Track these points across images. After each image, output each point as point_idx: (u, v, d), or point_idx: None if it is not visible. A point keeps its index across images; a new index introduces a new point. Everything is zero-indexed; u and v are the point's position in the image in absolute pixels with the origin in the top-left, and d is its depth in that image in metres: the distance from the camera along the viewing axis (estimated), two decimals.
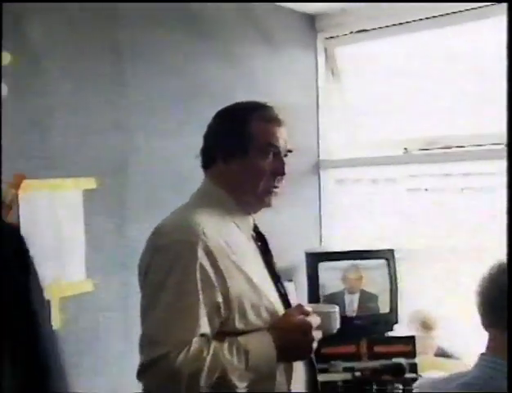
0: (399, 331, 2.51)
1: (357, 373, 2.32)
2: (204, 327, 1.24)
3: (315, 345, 1.34)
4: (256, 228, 1.46)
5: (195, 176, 1.45)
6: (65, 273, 1.95)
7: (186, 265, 1.24)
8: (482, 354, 1.34)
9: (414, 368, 2.34)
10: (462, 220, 2.74)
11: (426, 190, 2.77)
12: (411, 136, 2.78)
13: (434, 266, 2.76)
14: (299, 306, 1.37)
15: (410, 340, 2.41)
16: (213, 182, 1.41)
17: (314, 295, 2.50)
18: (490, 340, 1.35)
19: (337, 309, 1.49)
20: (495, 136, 2.55)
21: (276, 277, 1.43)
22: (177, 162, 2.26)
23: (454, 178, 2.74)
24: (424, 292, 2.70)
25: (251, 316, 1.29)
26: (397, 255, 2.56)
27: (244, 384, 1.24)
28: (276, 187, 1.40)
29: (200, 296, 1.24)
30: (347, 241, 2.93)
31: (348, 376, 2.32)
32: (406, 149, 2.76)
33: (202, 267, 1.25)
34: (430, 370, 2.34)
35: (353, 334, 2.40)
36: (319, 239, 2.95)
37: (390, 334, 2.50)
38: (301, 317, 1.33)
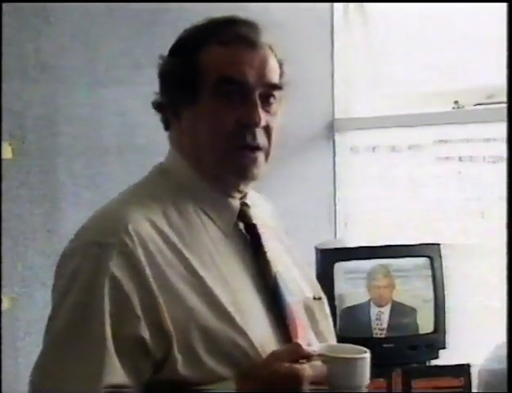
0: (447, 358, 2.27)
1: None
2: (116, 375, 1.05)
3: None
4: (246, 217, 1.24)
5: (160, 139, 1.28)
6: None
7: (90, 280, 1.07)
8: None
9: None
10: None
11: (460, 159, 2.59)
12: (463, 87, 2.56)
13: (493, 264, 2.48)
14: (295, 346, 1.12)
15: (464, 370, 2.18)
16: (175, 149, 1.24)
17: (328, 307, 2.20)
18: None
19: (366, 354, 1.15)
20: None
21: (271, 292, 1.19)
22: (130, 119, 2.12)
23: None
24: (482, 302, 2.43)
25: (205, 357, 1.08)
26: (444, 252, 2.32)
27: None
28: (253, 147, 1.17)
29: (107, 327, 1.05)
30: (371, 232, 2.73)
31: None
32: (456, 103, 2.51)
33: (115, 282, 1.07)
34: None
35: (383, 363, 2.08)
36: (333, 229, 2.75)
37: (434, 363, 2.28)
38: (290, 364, 1.08)
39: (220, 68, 1.16)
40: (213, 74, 1.16)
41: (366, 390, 1.15)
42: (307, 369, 1.07)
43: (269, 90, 1.18)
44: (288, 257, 1.29)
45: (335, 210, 2.75)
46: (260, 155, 1.17)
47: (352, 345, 1.19)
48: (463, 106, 2.49)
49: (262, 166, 1.18)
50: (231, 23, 1.19)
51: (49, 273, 1.19)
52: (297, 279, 1.26)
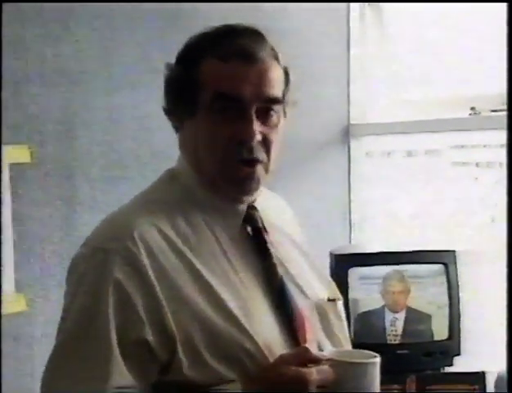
0: (462, 365, 2.27)
1: None
2: (122, 377, 1.05)
3: None
4: (253, 220, 1.23)
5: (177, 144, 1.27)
6: None
7: (95, 284, 1.09)
8: None
9: None
10: None
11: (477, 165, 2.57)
12: (480, 92, 2.53)
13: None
14: (303, 349, 1.12)
15: (479, 377, 2.17)
16: (182, 154, 1.24)
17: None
18: None
19: (376, 359, 1.13)
20: None
21: (278, 295, 1.19)
22: (147, 123, 2.11)
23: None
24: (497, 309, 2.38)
25: (211, 360, 1.08)
26: (459, 258, 2.31)
27: None
28: (250, 161, 1.15)
29: (112, 330, 1.06)
30: (386, 237, 2.71)
31: None
32: (473, 109, 2.45)
33: (119, 286, 1.07)
34: None
35: (397, 369, 2.14)
36: (348, 234, 2.74)
37: (449, 370, 2.27)
38: (297, 368, 1.07)
39: (216, 84, 1.14)
40: (210, 89, 1.14)
41: None
42: (314, 373, 1.07)
43: (267, 104, 1.16)
44: (303, 260, 1.29)
45: (350, 215, 2.73)
46: (258, 169, 1.16)
47: (362, 351, 1.18)
48: (479, 112, 2.47)
49: (262, 179, 1.18)
50: (231, 33, 1.17)
51: (65, 275, 1.20)
52: (311, 281, 1.25)
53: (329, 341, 1.22)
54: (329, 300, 1.26)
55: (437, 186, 2.67)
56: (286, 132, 1.21)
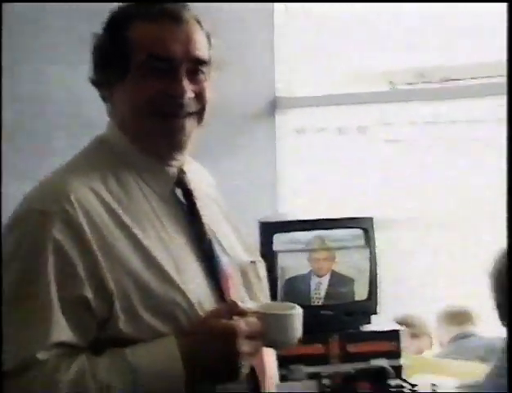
0: (379, 323, 2.35)
1: (325, 381, 2.17)
2: (63, 333, 1.10)
3: (248, 361, 1.15)
4: (183, 183, 1.29)
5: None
6: None
7: (34, 245, 1.12)
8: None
9: (399, 371, 2.20)
10: (460, 181, 2.59)
11: (405, 141, 2.78)
12: (398, 67, 2.69)
13: (423, 239, 2.63)
14: (231, 304, 1.20)
15: (395, 335, 2.26)
16: (112, 121, 1.28)
17: (270, 278, 2.21)
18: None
19: (297, 310, 1.24)
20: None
21: (207, 255, 1.26)
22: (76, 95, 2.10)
23: (440, 127, 2.70)
24: (411, 272, 2.53)
25: (146, 316, 1.14)
26: (376, 225, 2.38)
27: None
28: (179, 115, 1.21)
29: (52, 289, 1.10)
30: (311, 206, 2.82)
31: (312, 385, 2.17)
32: (391, 83, 2.56)
33: (58, 246, 1.11)
34: (420, 373, 2.27)
35: (321, 329, 2.22)
36: (275, 204, 2.85)
37: (368, 328, 2.34)
38: (227, 321, 1.16)
39: (146, 45, 1.19)
40: (140, 51, 1.19)
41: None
42: (243, 325, 1.14)
43: (196, 64, 1.22)
44: (226, 223, 1.36)
45: (277, 187, 2.81)
46: (188, 122, 1.22)
47: (285, 303, 1.27)
48: (397, 86, 2.59)
49: (192, 132, 1.23)
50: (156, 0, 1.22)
51: None
52: (233, 243, 1.33)
53: (250, 298, 1.30)
54: (251, 262, 1.35)
55: (363, 159, 2.81)
56: (213, 104, 1.26)
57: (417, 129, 2.74)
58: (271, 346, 1.24)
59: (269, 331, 1.18)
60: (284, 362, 2.08)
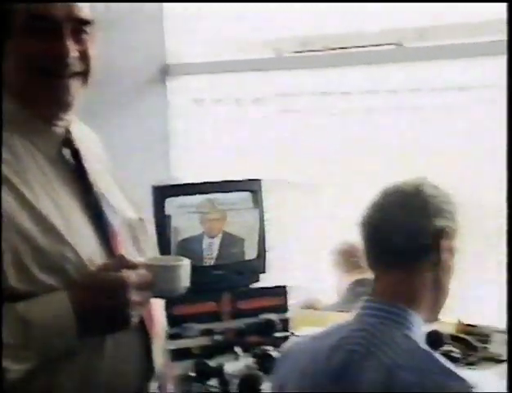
0: (268, 281, 2.44)
1: (217, 336, 2.24)
2: None
3: (138, 310, 1.20)
4: (70, 143, 1.31)
5: None
6: None
7: None
8: (366, 300, 1.33)
9: (286, 324, 2.30)
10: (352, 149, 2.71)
11: (299, 111, 2.79)
12: (283, 35, 2.72)
13: (310, 201, 2.75)
14: (120, 257, 1.23)
15: (282, 291, 2.37)
16: (4, 86, 1.25)
17: (163, 240, 2.30)
18: (374, 282, 1.34)
19: (185, 262, 1.30)
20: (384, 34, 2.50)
21: (96, 212, 1.29)
22: None
23: (333, 98, 2.75)
24: (298, 232, 2.65)
25: (36, 271, 1.16)
26: (265, 188, 2.46)
27: (24, 366, 1.12)
28: (62, 75, 1.22)
29: None
30: (203, 171, 2.87)
31: (205, 340, 2.23)
32: (277, 50, 2.66)
33: None
34: (309, 326, 2.29)
35: (212, 288, 2.30)
36: (168, 169, 2.89)
37: (257, 285, 2.43)
38: (116, 273, 1.19)
39: (27, 6, 1.19)
40: (22, 11, 1.19)
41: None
42: (132, 276, 1.18)
43: (80, 24, 1.23)
44: (113, 182, 1.40)
45: (170, 152, 2.83)
46: (73, 82, 1.24)
47: (174, 257, 1.36)
48: (282, 54, 2.67)
49: (77, 93, 1.25)
50: None
51: None
52: (120, 201, 1.37)
53: (139, 254, 1.34)
54: (138, 219, 1.39)
55: (257, 128, 2.88)
56: (105, 69, 1.30)
57: (311, 100, 2.82)
58: (160, 296, 1.30)
59: (158, 281, 1.23)
60: (177, 320, 2.19)
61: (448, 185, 1.36)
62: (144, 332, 1.27)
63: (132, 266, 1.21)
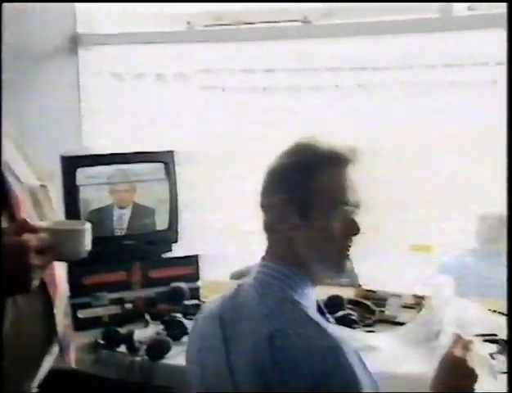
0: (180, 251, 2.48)
1: (128, 305, 2.27)
2: None
3: (39, 274, 1.21)
4: None
5: None
6: None
7: None
8: (259, 263, 1.35)
9: (196, 292, 2.35)
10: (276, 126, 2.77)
11: (220, 87, 2.82)
12: (195, 9, 2.73)
13: (222, 173, 2.80)
14: (20, 222, 1.23)
15: (192, 260, 2.41)
16: None
17: (72, 211, 2.30)
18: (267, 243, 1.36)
19: (86, 226, 1.33)
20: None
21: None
22: None
23: (256, 75, 2.75)
24: (211, 202, 2.70)
25: None
26: (178, 159, 2.48)
27: None
28: None
29: None
30: (117, 146, 2.87)
31: (116, 309, 2.25)
32: (189, 23, 2.66)
33: None
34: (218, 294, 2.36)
35: (123, 258, 2.32)
36: (80, 139, 2.87)
37: (169, 255, 2.47)
38: (17, 237, 1.19)
39: None
40: None
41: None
42: (33, 240, 1.19)
43: None
44: (16, 150, 1.41)
45: (82, 123, 2.81)
46: None
47: (74, 221, 1.39)
48: (194, 27, 2.69)
49: None
50: None
51: None
52: (23, 170, 1.38)
53: (40, 219, 1.37)
54: (40, 186, 1.42)
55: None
56: (12, 41, 1.29)
57: (233, 76, 2.84)
58: (61, 260, 1.33)
59: (59, 245, 1.24)
60: (88, 289, 2.22)
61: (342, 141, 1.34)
62: (46, 295, 1.30)
63: (33, 230, 1.21)
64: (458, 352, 1.25)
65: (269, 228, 1.33)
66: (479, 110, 2.55)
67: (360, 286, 2.29)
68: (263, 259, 1.34)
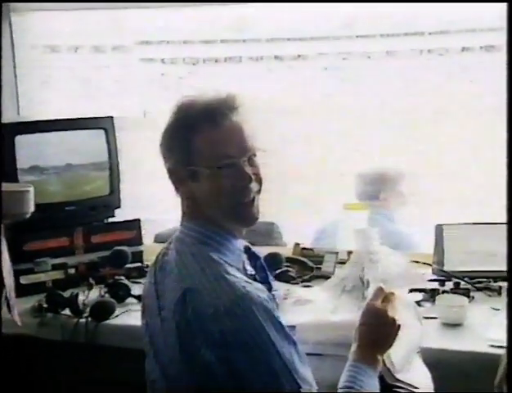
0: (122, 215, 2.54)
1: (71, 270, 2.31)
2: None
3: None
4: None
5: None
6: None
7: None
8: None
9: (139, 256, 2.40)
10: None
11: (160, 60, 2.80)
12: None
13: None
14: None
15: (135, 224, 2.46)
16: None
17: (13, 177, 2.28)
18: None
19: (28, 188, 1.37)
20: None
21: None
22: None
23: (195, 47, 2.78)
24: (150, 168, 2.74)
25: None
26: (118, 125, 2.51)
27: None
28: None
29: None
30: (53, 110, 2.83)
31: (59, 274, 2.29)
32: None
33: None
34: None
35: (66, 224, 2.35)
36: (16, 106, 2.84)
37: (112, 220, 2.53)
38: None
39: None
40: None
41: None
42: None
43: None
44: None
45: (17, 91, 2.79)
46: None
47: (16, 184, 1.42)
48: None
49: None
50: None
51: None
52: None
53: None
54: None
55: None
56: None
57: (173, 48, 2.84)
58: (6, 219, 1.38)
59: (5, 205, 1.31)
60: (30, 255, 2.25)
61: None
62: None
63: None
64: (378, 303, 1.34)
65: (175, 191, 1.37)
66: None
67: (298, 244, 2.38)
68: (182, 219, 1.39)
